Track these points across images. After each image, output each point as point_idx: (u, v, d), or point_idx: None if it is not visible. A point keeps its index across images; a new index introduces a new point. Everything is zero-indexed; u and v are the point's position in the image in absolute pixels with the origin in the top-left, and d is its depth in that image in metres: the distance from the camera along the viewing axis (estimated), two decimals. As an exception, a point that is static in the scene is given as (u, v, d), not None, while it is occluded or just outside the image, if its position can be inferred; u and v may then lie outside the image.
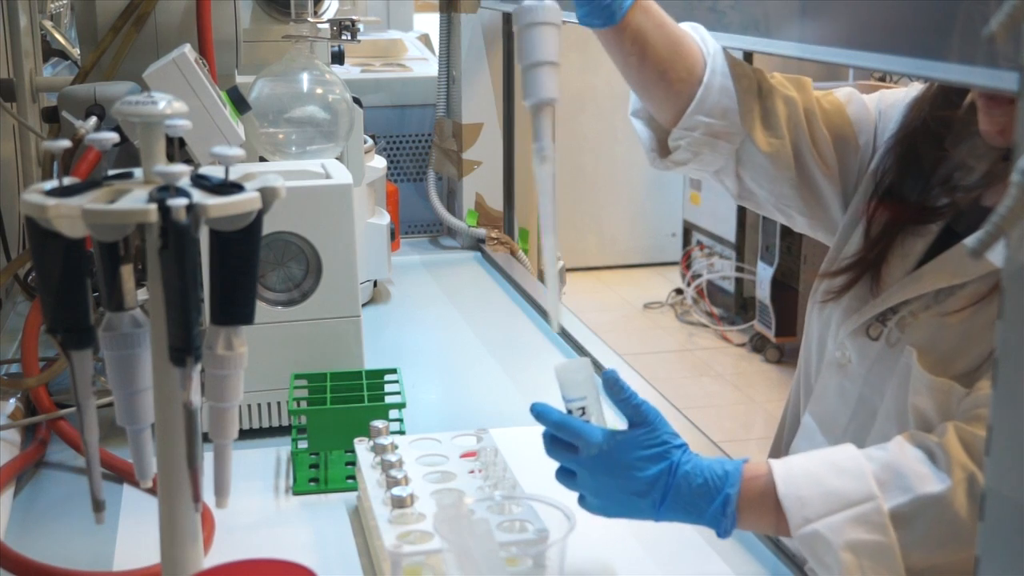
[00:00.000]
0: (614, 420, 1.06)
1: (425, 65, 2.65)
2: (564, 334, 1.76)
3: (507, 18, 2.24)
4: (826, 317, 1.25)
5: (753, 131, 1.22)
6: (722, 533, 1.01)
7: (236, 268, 0.78)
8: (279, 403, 1.37)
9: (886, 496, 0.97)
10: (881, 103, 1.28)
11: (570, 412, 1.03)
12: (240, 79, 1.69)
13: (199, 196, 0.75)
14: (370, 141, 1.87)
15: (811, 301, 1.29)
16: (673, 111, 1.22)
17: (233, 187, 0.77)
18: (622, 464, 1.00)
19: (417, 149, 2.44)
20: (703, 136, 1.21)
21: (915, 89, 1.25)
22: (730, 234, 4.78)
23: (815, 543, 0.98)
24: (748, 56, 4.51)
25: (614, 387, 1.02)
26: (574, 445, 1.01)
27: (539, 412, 1.03)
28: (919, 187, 1.19)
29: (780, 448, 1.36)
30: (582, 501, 1.04)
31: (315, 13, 1.75)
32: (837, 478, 0.99)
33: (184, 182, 0.77)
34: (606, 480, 1.00)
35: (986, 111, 1.06)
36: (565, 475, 1.04)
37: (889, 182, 1.22)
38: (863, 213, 1.24)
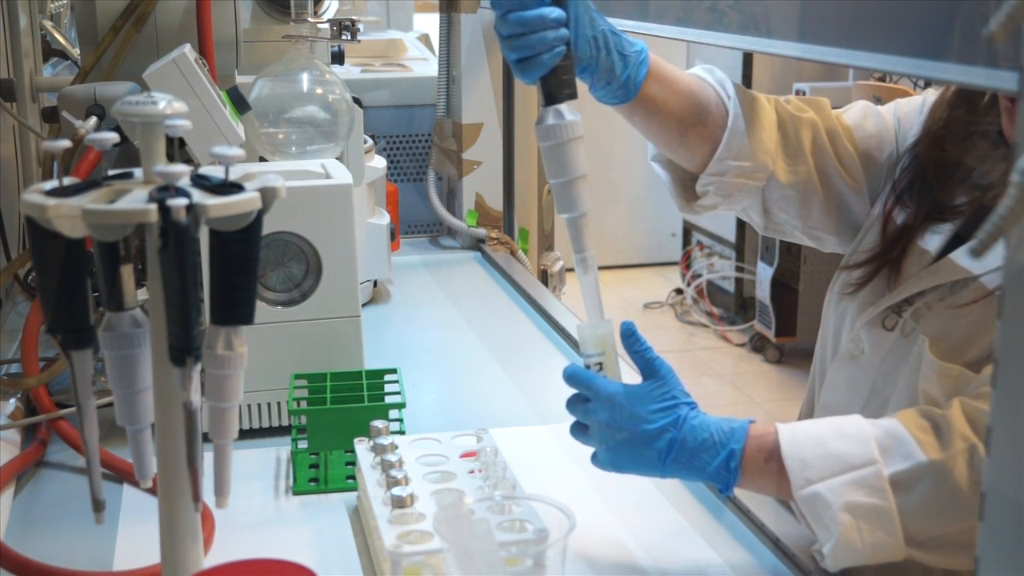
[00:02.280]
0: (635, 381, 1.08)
1: (425, 65, 2.65)
2: (564, 334, 1.76)
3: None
4: (842, 311, 1.27)
5: (775, 164, 1.23)
6: (725, 488, 1.03)
7: (236, 268, 0.78)
8: (279, 403, 1.36)
9: (887, 461, 0.99)
10: (898, 111, 1.29)
11: (588, 367, 1.07)
12: (240, 79, 1.69)
13: (199, 196, 0.75)
14: (370, 141, 1.87)
15: (828, 295, 1.31)
16: (699, 159, 1.24)
17: (233, 187, 0.77)
18: (631, 415, 1.03)
19: (417, 149, 2.44)
20: (732, 179, 1.23)
21: (931, 95, 1.27)
22: (730, 234, 4.78)
23: (815, 504, 0.99)
24: (748, 56, 4.52)
25: (630, 339, 1.06)
26: (587, 397, 1.05)
27: (564, 370, 1.07)
28: (934, 187, 1.20)
29: None
30: (594, 458, 1.07)
31: (315, 13, 1.75)
32: (840, 441, 1.01)
33: (184, 182, 0.77)
34: (614, 431, 1.03)
35: (1008, 112, 1.08)
36: (579, 430, 1.08)
37: (906, 182, 1.23)
38: (880, 211, 1.25)
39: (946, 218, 1.18)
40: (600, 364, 1.07)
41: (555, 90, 1.06)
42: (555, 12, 1.04)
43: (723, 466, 1.02)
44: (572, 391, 1.08)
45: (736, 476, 1.02)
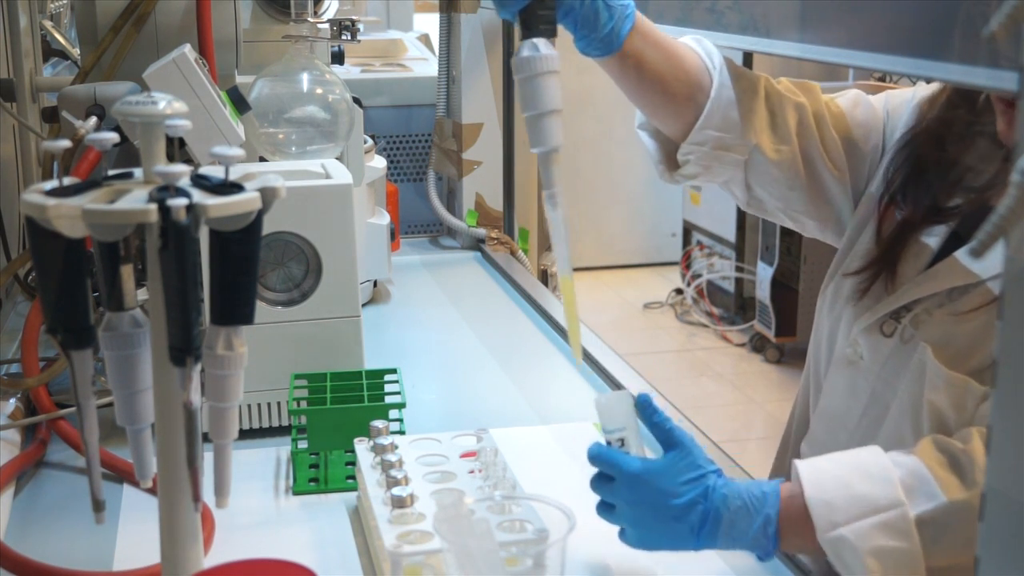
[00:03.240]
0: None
1: (425, 65, 2.65)
2: (564, 334, 1.76)
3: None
4: (836, 314, 1.25)
5: (761, 140, 1.22)
6: (763, 556, 1.01)
7: (236, 268, 0.78)
8: (279, 403, 1.36)
9: (912, 503, 0.97)
10: (888, 103, 1.28)
11: (609, 444, 1.03)
12: (240, 79, 1.69)
13: (199, 196, 0.75)
14: (370, 141, 1.87)
15: (821, 298, 1.30)
16: (681, 126, 1.23)
17: (233, 187, 0.77)
18: (658, 491, 0.99)
19: (417, 149, 2.44)
20: (713, 150, 1.22)
21: (922, 89, 1.26)
22: (730, 234, 4.78)
23: (841, 547, 0.97)
24: (748, 56, 4.52)
25: (647, 410, 1.02)
26: (611, 476, 1.01)
27: (588, 450, 1.03)
28: (930, 187, 1.19)
29: (788, 446, 1.36)
30: (622, 535, 1.04)
31: (315, 13, 1.75)
32: (865, 483, 0.99)
33: (184, 182, 0.77)
34: (643, 509, 1.00)
35: (1003, 112, 1.08)
36: (605, 509, 1.04)
37: (900, 182, 1.22)
38: (874, 212, 1.24)
39: (942, 220, 1.17)
40: (622, 440, 1.03)
41: (533, 23, 1.05)
42: None
43: (761, 533, 0.99)
44: (594, 468, 1.04)
45: (775, 542, 0.99)
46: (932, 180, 1.19)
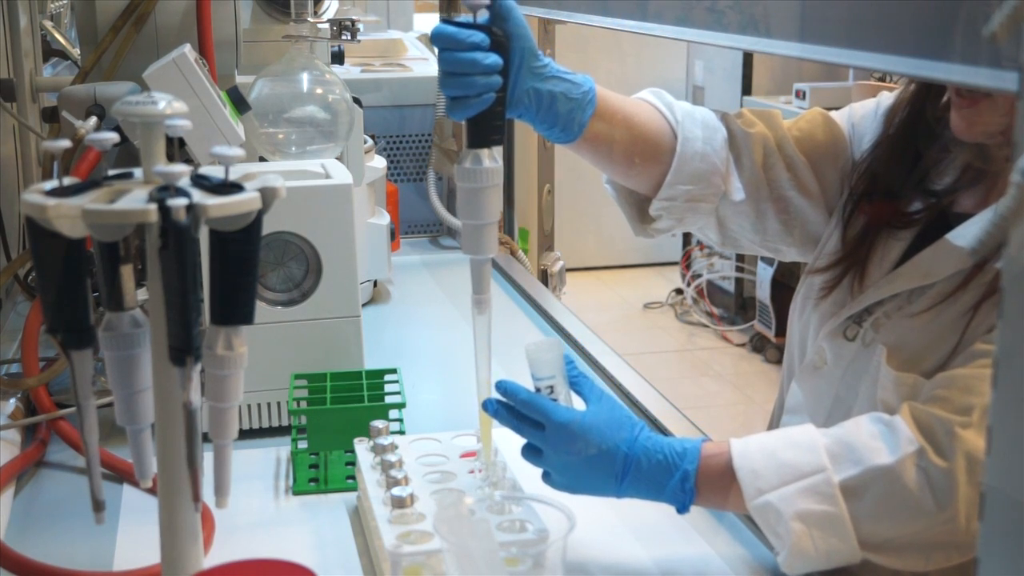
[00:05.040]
0: (581, 403, 1.08)
1: (425, 65, 2.65)
2: (564, 334, 1.76)
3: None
4: (805, 321, 1.28)
5: (729, 185, 1.24)
6: (681, 509, 1.04)
7: (236, 268, 0.78)
8: (279, 403, 1.36)
9: (837, 468, 1.00)
10: (852, 116, 1.30)
11: (538, 390, 1.06)
12: (240, 79, 1.69)
13: (199, 196, 0.75)
14: (370, 141, 1.87)
15: (794, 302, 1.32)
16: (650, 184, 1.25)
17: (233, 187, 0.77)
18: (586, 441, 1.03)
19: (417, 149, 2.44)
20: (685, 202, 1.24)
21: (885, 99, 1.27)
22: (730, 234, 4.77)
23: (767, 513, 1.00)
24: (748, 56, 4.52)
25: (568, 365, 1.07)
26: (541, 423, 1.04)
27: (506, 389, 1.06)
28: (894, 192, 1.21)
29: None
30: (547, 478, 1.07)
31: (315, 13, 1.75)
32: (790, 451, 1.02)
33: (184, 182, 0.77)
34: (570, 456, 1.04)
35: (956, 106, 1.09)
36: (531, 452, 1.07)
37: (864, 187, 1.23)
38: (840, 215, 1.26)
39: (902, 224, 1.19)
40: (551, 387, 1.06)
41: (479, 135, 1.05)
42: (489, 59, 1.03)
43: (678, 487, 1.03)
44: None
45: (692, 496, 1.03)
46: (895, 184, 1.20)
